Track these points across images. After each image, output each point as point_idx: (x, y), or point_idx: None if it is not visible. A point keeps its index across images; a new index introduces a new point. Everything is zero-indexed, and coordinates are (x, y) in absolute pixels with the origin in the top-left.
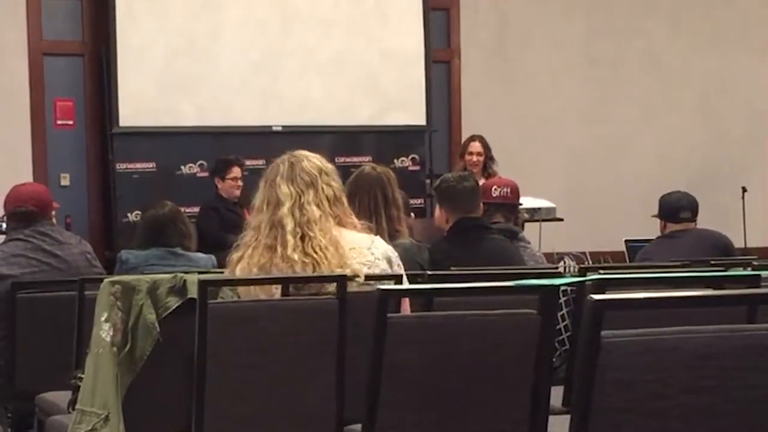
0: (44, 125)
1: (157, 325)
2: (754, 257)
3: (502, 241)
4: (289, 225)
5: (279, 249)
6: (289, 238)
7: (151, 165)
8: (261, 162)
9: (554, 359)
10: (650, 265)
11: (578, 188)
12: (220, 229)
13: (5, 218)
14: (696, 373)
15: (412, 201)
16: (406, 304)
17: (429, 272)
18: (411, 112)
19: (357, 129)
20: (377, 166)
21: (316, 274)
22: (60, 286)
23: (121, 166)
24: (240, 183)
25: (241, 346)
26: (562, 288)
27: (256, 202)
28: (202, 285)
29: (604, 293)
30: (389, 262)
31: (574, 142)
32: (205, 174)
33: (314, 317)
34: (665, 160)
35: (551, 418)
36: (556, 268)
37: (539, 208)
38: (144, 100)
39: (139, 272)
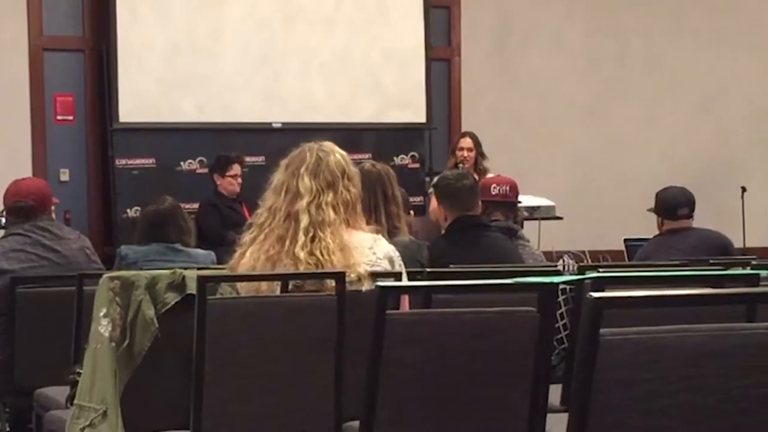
0: (44, 121)
1: (155, 320)
2: (753, 257)
3: (501, 239)
4: (304, 221)
5: (287, 243)
6: (301, 235)
7: (150, 161)
8: (261, 159)
9: (552, 357)
10: (649, 264)
11: (578, 187)
12: (219, 226)
13: (5, 213)
14: (695, 371)
15: (411, 199)
16: (405, 302)
17: (428, 270)
18: (411, 110)
19: (357, 126)
20: (377, 163)
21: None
22: (59, 281)
23: (120, 162)
24: (239, 180)
25: (239, 342)
26: (561, 286)
27: (274, 181)
28: (201, 281)
29: (603, 292)
30: (391, 262)
31: (575, 141)
32: (205, 170)
33: (313, 314)
34: (665, 159)
35: (549, 417)
36: (555, 266)
37: (539, 207)
38: (144, 96)
39: (138, 268)
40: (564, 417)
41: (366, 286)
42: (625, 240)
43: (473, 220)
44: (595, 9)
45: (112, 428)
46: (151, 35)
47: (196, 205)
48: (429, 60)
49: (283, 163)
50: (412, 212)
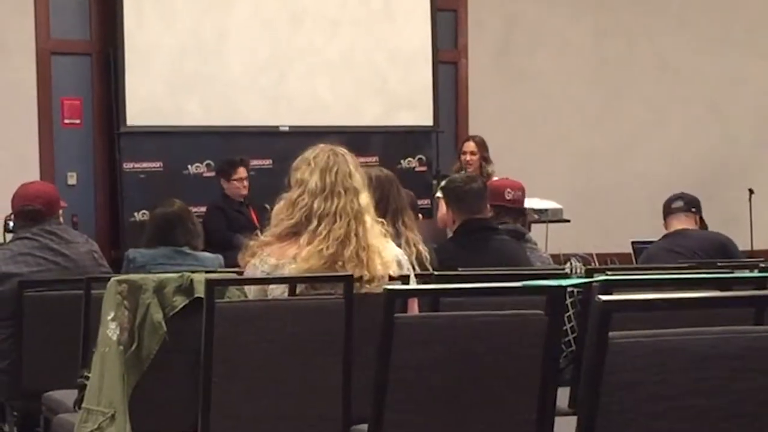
0: (51, 124)
1: (163, 324)
2: (761, 259)
3: (509, 242)
4: (369, 220)
5: (353, 241)
6: (362, 232)
7: (158, 164)
8: (268, 162)
9: (560, 360)
10: (657, 267)
11: (585, 189)
12: (226, 229)
13: (13, 217)
14: (703, 374)
15: (419, 202)
16: (414, 304)
17: (436, 273)
18: (418, 112)
19: (364, 129)
20: (383, 168)
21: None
22: (67, 284)
23: (128, 166)
24: (245, 183)
25: (247, 345)
26: (569, 289)
27: (312, 184)
28: (209, 284)
29: (610, 294)
30: (399, 265)
31: (582, 143)
32: (212, 174)
33: (321, 317)
34: (672, 161)
35: (558, 419)
36: (563, 269)
37: (546, 209)
38: (151, 99)
39: (146, 271)
40: (572, 420)
41: (377, 286)
42: (633, 242)
43: (481, 223)
44: (601, 11)
45: (120, 431)
46: (158, 38)
47: (203, 209)
48: (436, 62)
49: (315, 166)
50: (420, 215)
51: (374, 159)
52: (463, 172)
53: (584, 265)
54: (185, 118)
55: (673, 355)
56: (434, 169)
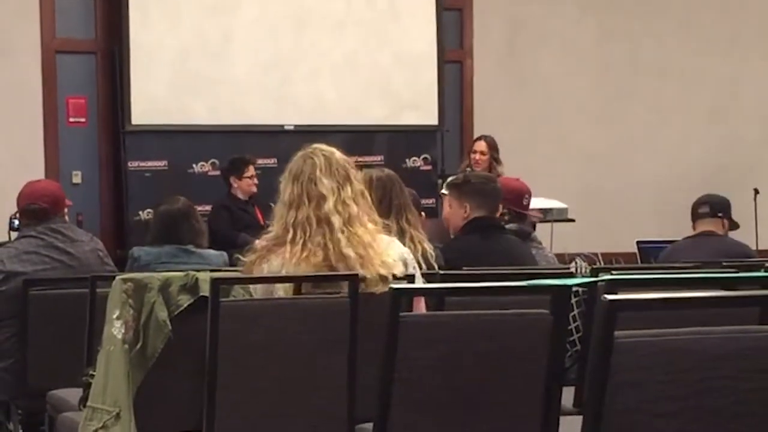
0: (56, 123)
1: (168, 322)
2: (767, 259)
3: (515, 242)
4: (337, 223)
5: (331, 246)
6: (339, 236)
7: (162, 163)
8: (273, 161)
9: (565, 360)
10: (662, 267)
11: (590, 189)
12: (231, 228)
13: (18, 215)
14: (708, 374)
15: (423, 201)
16: (421, 303)
17: (441, 272)
18: (423, 112)
19: (369, 129)
20: (384, 169)
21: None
22: (72, 283)
23: (133, 165)
24: (255, 181)
25: (252, 344)
26: (574, 289)
27: (286, 195)
28: (215, 283)
29: (616, 294)
30: (405, 264)
31: (587, 144)
32: (217, 173)
33: (326, 316)
34: (677, 161)
35: (562, 419)
36: (568, 268)
37: (551, 209)
38: (156, 98)
39: (150, 270)
40: (577, 419)
41: (382, 288)
42: (638, 242)
43: (491, 221)
44: (606, 12)
45: (125, 430)
46: (163, 38)
47: (208, 208)
48: (441, 62)
49: (290, 174)
50: (423, 214)
51: (379, 158)
52: (469, 170)
53: (589, 264)
54: (190, 117)
55: (679, 354)
56: (439, 168)
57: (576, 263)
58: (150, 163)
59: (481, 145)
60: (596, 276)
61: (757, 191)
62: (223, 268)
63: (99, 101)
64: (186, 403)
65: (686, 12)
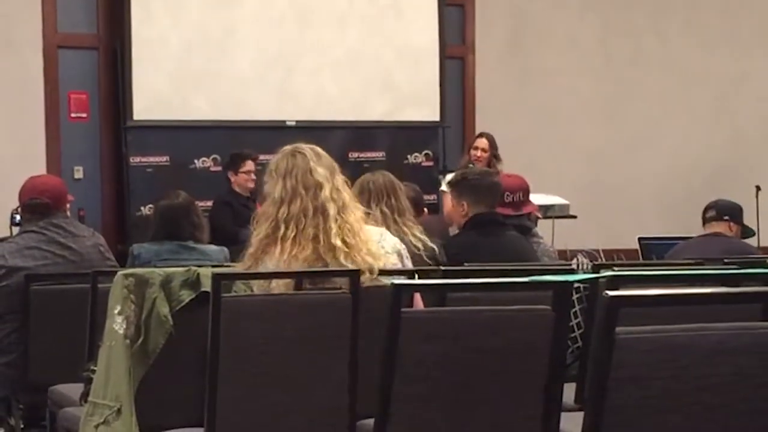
0: (58, 118)
1: (170, 318)
2: None
3: (517, 237)
4: (332, 210)
5: (322, 237)
6: (332, 224)
7: (164, 159)
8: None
9: (567, 356)
10: (664, 263)
11: (592, 186)
12: (233, 224)
13: (20, 210)
14: (710, 370)
15: (425, 197)
16: (418, 298)
17: (443, 268)
18: (425, 108)
19: (371, 125)
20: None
21: (349, 262)
22: (73, 278)
23: (134, 160)
24: (253, 176)
25: (254, 339)
26: (575, 285)
27: (277, 193)
28: (216, 278)
29: (617, 290)
30: (399, 255)
31: (589, 140)
32: (219, 168)
33: (327, 311)
34: (679, 158)
35: (564, 415)
36: (570, 264)
37: (553, 205)
38: (158, 93)
39: (151, 267)
40: (578, 416)
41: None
42: (640, 239)
43: (492, 217)
44: (608, 8)
45: (126, 425)
46: (165, 33)
47: (209, 203)
48: (443, 58)
49: (277, 172)
50: (425, 210)
51: (381, 154)
52: (470, 166)
53: (591, 260)
54: (192, 113)
55: (680, 351)
56: (441, 164)
57: (577, 259)
58: (152, 159)
59: (483, 142)
60: (598, 272)
61: (759, 188)
62: (225, 263)
63: (101, 96)
64: (187, 398)
65: (689, 8)
